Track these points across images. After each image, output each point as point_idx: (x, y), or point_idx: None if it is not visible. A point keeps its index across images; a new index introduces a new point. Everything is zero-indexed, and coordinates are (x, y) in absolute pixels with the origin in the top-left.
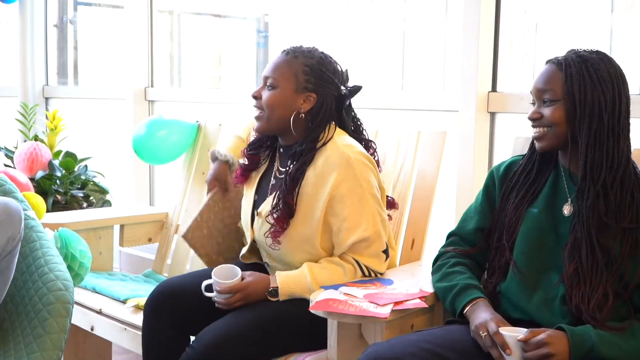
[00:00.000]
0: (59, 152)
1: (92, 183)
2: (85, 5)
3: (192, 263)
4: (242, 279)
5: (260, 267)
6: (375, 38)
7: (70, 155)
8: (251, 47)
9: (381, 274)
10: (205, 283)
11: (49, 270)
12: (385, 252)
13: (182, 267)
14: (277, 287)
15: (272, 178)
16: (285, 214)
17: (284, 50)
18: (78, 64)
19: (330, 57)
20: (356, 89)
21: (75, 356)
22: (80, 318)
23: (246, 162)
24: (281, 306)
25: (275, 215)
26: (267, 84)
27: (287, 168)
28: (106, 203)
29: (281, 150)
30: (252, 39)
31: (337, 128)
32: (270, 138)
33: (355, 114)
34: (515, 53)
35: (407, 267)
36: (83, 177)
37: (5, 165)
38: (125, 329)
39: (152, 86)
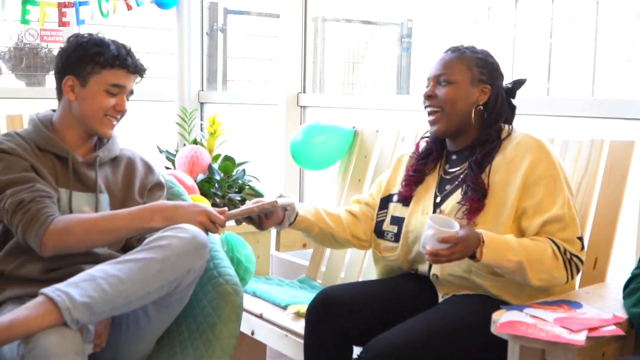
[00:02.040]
0: (218, 155)
1: (248, 187)
2: (235, 14)
3: (347, 270)
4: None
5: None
6: (519, 40)
7: (229, 159)
8: (394, 52)
9: (579, 259)
10: (425, 235)
11: (218, 274)
12: (581, 239)
13: (337, 275)
14: (484, 242)
15: (438, 185)
16: (477, 194)
17: (448, 50)
18: (227, 70)
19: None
20: (521, 82)
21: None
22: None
23: (412, 174)
24: (457, 316)
25: (468, 197)
26: (441, 81)
27: (472, 160)
28: None
29: (453, 157)
30: (395, 44)
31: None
32: (438, 147)
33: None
34: None
35: (593, 289)
36: (240, 181)
37: (166, 168)
38: (286, 335)
39: (304, 92)
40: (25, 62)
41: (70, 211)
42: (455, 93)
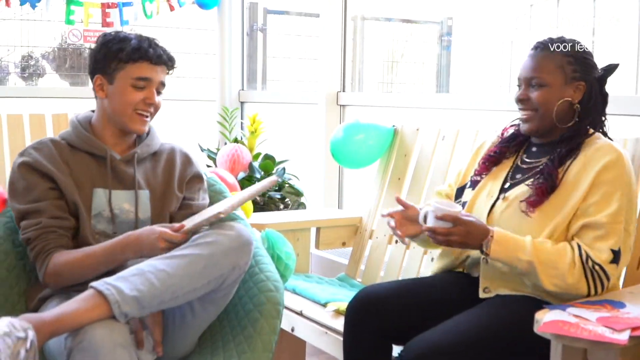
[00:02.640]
0: (258, 154)
1: (288, 185)
2: (275, 14)
3: (387, 269)
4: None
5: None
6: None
7: (269, 158)
8: (433, 51)
9: (603, 270)
10: (424, 210)
11: (260, 270)
12: (616, 254)
13: (376, 273)
14: (492, 237)
15: (511, 171)
16: (546, 186)
17: (536, 47)
18: (267, 70)
19: (578, 41)
20: (613, 67)
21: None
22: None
23: (492, 154)
24: (499, 317)
25: (537, 184)
26: (532, 84)
27: (557, 151)
28: (301, 205)
29: (533, 148)
30: (435, 43)
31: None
32: (523, 137)
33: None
34: None
35: (637, 289)
36: (280, 180)
37: (207, 166)
38: (326, 332)
39: (343, 91)
40: (69, 62)
41: (111, 209)
42: (549, 95)
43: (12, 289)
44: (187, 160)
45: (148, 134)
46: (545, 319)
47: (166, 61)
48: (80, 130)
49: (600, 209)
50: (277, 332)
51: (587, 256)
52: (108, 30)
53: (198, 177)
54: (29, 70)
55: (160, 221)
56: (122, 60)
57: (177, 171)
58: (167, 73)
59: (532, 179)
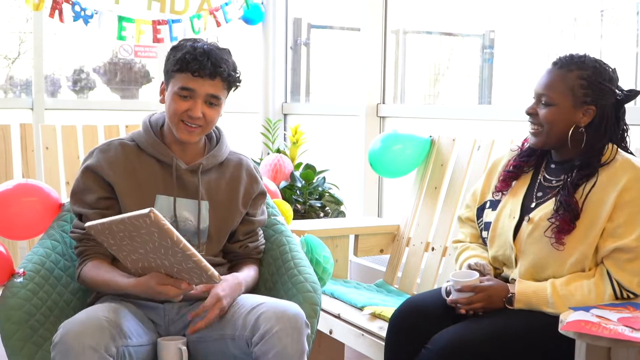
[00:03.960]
0: (300, 164)
1: (328, 194)
2: (318, 28)
3: (423, 276)
4: (480, 282)
5: None
6: (606, 51)
7: (310, 167)
8: (475, 64)
9: (635, 295)
10: (445, 285)
11: (298, 272)
12: None
13: (413, 280)
14: (514, 294)
15: (535, 189)
16: (569, 215)
17: (555, 63)
18: (310, 83)
19: (603, 63)
20: (635, 93)
21: (311, 357)
22: (319, 321)
23: (511, 170)
24: (524, 319)
25: (558, 215)
26: (542, 101)
27: (566, 177)
28: (340, 214)
29: (552, 165)
30: (477, 55)
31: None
32: (540, 153)
33: (625, 121)
34: None
35: None
36: (321, 189)
37: None
38: (363, 334)
39: (383, 103)
40: (119, 76)
41: (175, 217)
42: (555, 115)
43: (66, 288)
44: (253, 177)
45: (217, 143)
46: (569, 319)
47: (215, 75)
48: (150, 134)
49: (631, 230)
50: (314, 331)
51: (620, 287)
52: (159, 45)
53: (262, 195)
54: (81, 84)
55: (217, 232)
56: (171, 68)
57: (242, 187)
58: (225, 87)
59: (554, 199)
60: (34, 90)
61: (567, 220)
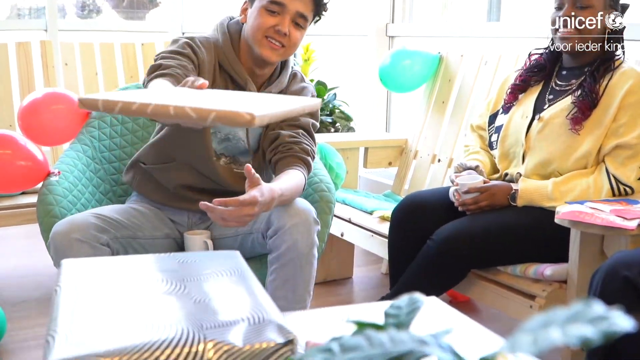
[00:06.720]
0: (311, 80)
1: (339, 110)
2: None
3: (429, 186)
4: (484, 182)
5: None
6: None
7: (321, 84)
8: None
9: (631, 189)
10: (452, 190)
11: (314, 174)
12: None
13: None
14: (517, 190)
15: (547, 93)
16: (589, 102)
17: None
18: None
19: None
20: (625, 7)
21: (324, 256)
22: (331, 225)
23: (518, 83)
24: (522, 215)
25: (580, 100)
26: (577, 5)
27: (592, 68)
28: (350, 130)
29: (563, 72)
30: None
31: None
32: (551, 64)
33: None
34: None
35: None
36: (331, 105)
37: None
38: (372, 235)
39: (392, 22)
40: (126, 0)
41: (226, 132)
42: (592, 16)
43: (97, 188)
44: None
45: (281, 71)
46: (564, 210)
47: None
48: (228, 47)
49: (631, 129)
50: (329, 225)
51: (618, 183)
52: None
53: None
54: (89, 8)
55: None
56: None
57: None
58: (313, 9)
59: (571, 97)
60: (47, 13)
61: (586, 105)
